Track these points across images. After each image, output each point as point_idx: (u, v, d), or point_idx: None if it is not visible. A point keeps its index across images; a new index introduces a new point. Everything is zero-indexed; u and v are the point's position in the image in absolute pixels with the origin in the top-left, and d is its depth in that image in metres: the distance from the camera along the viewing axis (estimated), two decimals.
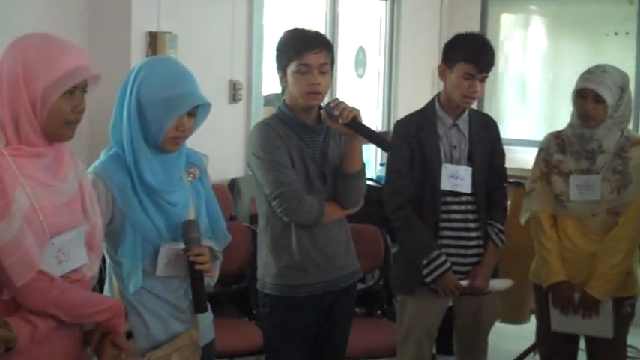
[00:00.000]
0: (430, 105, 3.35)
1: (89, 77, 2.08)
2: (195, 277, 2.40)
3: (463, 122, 3.32)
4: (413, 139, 3.28)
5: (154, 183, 2.34)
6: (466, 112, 3.33)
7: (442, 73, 3.30)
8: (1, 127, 2.00)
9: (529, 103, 7.44)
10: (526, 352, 4.68)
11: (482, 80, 3.24)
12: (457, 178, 3.26)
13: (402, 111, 6.97)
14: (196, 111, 2.39)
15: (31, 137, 2.01)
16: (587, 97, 3.18)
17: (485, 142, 3.34)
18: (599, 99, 3.15)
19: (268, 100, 5.57)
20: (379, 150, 6.34)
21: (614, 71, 3.22)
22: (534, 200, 3.33)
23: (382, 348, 3.91)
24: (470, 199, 3.29)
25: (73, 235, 2.08)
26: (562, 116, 7.06)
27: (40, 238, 1.99)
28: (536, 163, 3.37)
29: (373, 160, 6.72)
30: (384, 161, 5.89)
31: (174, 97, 2.31)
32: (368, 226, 4.19)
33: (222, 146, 4.95)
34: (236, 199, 4.99)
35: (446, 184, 3.26)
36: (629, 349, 3.67)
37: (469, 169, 3.27)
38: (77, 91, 2.05)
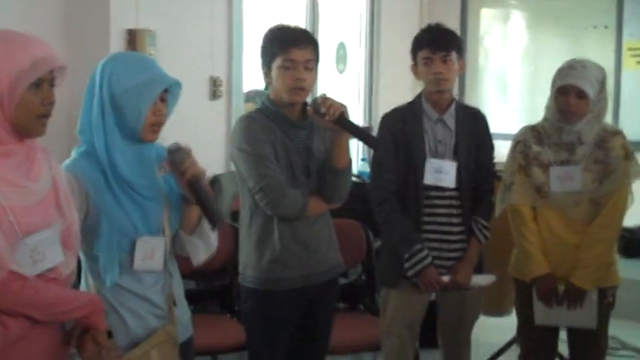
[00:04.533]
0: (416, 99, 3.37)
1: (55, 69, 2.06)
2: (199, 191, 2.37)
3: (449, 116, 3.32)
4: (398, 133, 3.30)
5: (129, 175, 2.34)
6: (453, 107, 3.33)
7: (415, 73, 3.37)
8: None
9: (510, 97, 7.45)
10: (508, 345, 4.69)
11: (445, 62, 3.25)
12: (441, 172, 3.26)
13: (384, 106, 6.97)
14: (167, 96, 2.40)
15: (0, 134, 1.99)
16: (570, 94, 3.17)
17: (472, 136, 3.34)
18: (582, 95, 3.15)
19: (249, 97, 5.55)
20: (361, 145, 6.33)
21: (592, 66, 3.23)
22: (515, 193, 3.31)
23: (365, 342, 3.92)
24: (454, 194, 3.29)
25: (47, 234, 2.06)
26: (543, 109, 7.11)
27: (11, 238, 1.97)
28: (513, 156, 3.35)
29: (355, 155, 6.72)
30: (366, 156, 5.91)
31: (146, 82, 2.33)
32: (350, 221, 4.19)
33: (203, 143, 4.91)
34: (217, 196, 4.97)
35: (429, 179, 3.26)
36: (610, 340, 3.69)
37: (454, 164, 3.27)
38: (44, 83, 2.04)
